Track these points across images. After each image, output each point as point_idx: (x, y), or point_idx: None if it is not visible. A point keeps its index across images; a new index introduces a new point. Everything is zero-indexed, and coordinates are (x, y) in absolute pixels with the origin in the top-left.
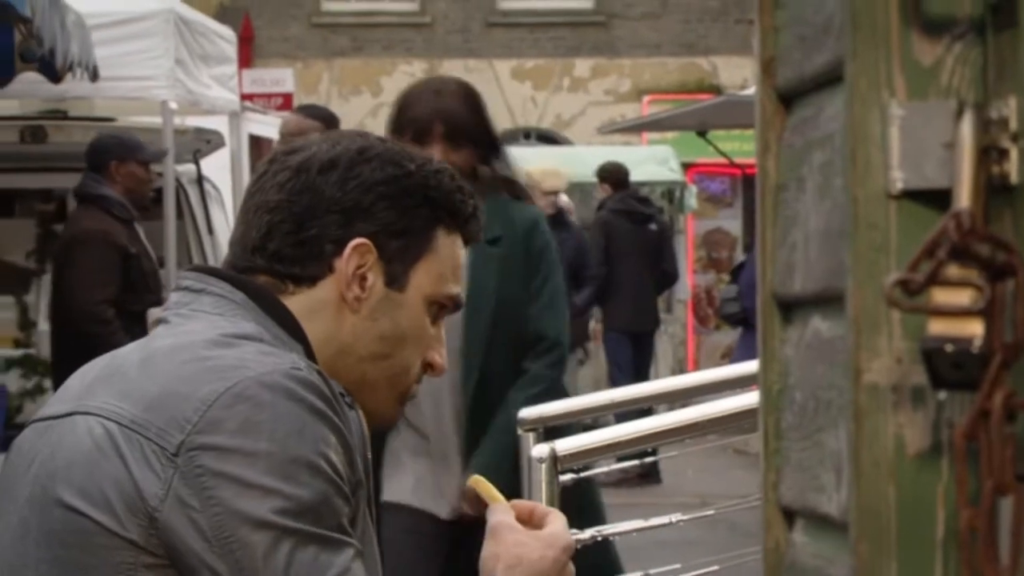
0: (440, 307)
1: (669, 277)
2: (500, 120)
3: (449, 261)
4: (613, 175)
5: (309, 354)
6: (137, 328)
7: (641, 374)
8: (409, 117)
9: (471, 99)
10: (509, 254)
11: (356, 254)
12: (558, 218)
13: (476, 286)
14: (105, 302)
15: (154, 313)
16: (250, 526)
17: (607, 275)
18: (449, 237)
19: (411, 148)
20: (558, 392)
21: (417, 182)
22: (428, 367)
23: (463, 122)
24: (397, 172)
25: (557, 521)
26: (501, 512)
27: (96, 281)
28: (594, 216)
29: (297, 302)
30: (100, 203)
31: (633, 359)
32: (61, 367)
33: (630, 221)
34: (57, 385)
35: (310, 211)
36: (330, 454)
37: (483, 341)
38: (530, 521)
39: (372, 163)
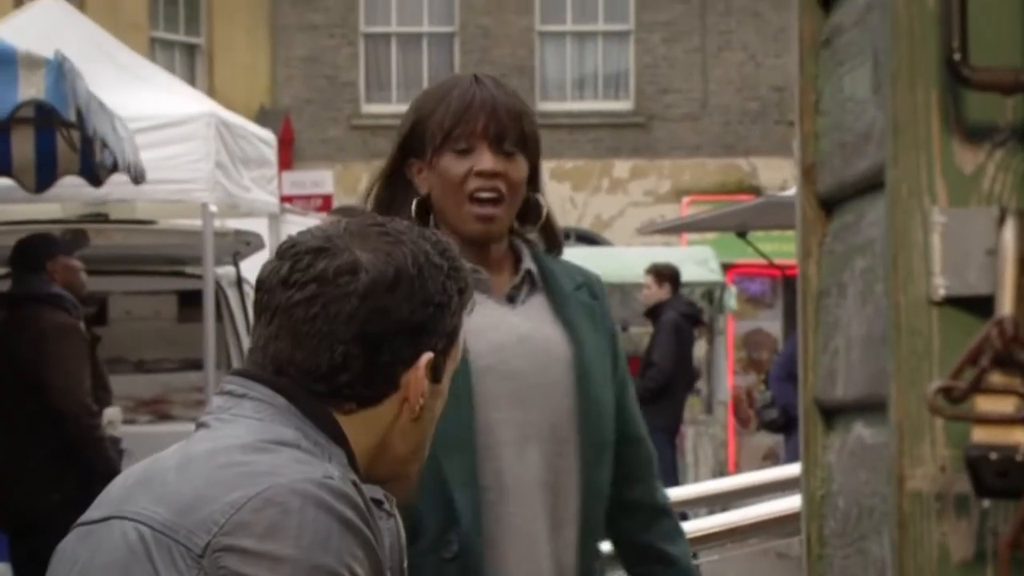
0: None
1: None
2: None
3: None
4: (674, 276)
5: (350, 456)
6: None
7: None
8: (449, 113)
9: (521, 97)
10: (595, 307)
11: (425, 369)
12: None
13: (584, 343)
14: (90, 395)
15: (108, 413)
16: None
17: (669, 375)
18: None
19: (431, 233)
20: None
21: (451, 277)
22: None
23: (521, 123)
24: (441, 277)
25: None
26: None
27: (81, 375)
28: (665, 317)
29: (358, 419)
30: (54, 302)
31: (672, 459)
32: (40, 470)
33: (690, 324)
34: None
35: (381, 337)
36: (355, 567)
37: (605, 431)
38: None
39: (424, 273)
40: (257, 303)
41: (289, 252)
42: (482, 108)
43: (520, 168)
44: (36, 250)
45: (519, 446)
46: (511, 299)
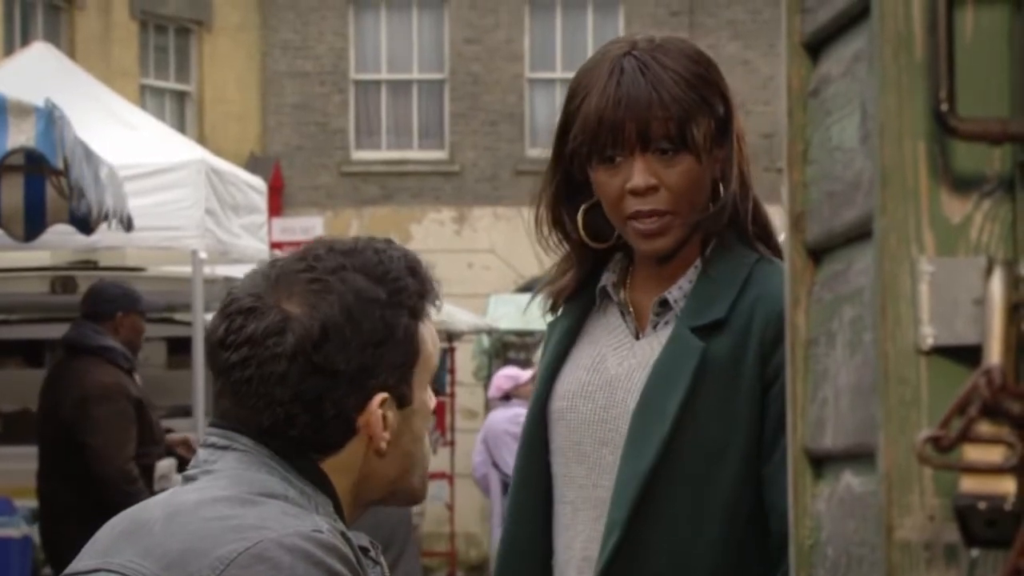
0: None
1: None
2: (528, 267)
3: (432, 342)
4: None
5: (336, 503)
6: (149, 482)
7: None
8: (590, 116)
9: (690, 62)
10: (730, 358)
11: (380, 409)
12: None
13: (651, 393)
14: (131, 459)
15: (161, 467)
16: None
17: None
18: (426, 323)
19: (372, 254)
20: None
21: (392, 306)
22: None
23: (678, 109)
24: (378, 311)
25: None
26: None
27: (123, 439)
28: None
29: (327, 465)
30: (103, 355)
31: None
32: (78, 529)
33: None
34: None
35: (321, 393)
36: None
37: (637, 486)
38: None
39: (355, 317)
40: (207, 359)
41: (225, 311)
42: (628, 106)
43: (681, 168)
44: (108, 299)
45: (575, 508)
46: (655, 326)
